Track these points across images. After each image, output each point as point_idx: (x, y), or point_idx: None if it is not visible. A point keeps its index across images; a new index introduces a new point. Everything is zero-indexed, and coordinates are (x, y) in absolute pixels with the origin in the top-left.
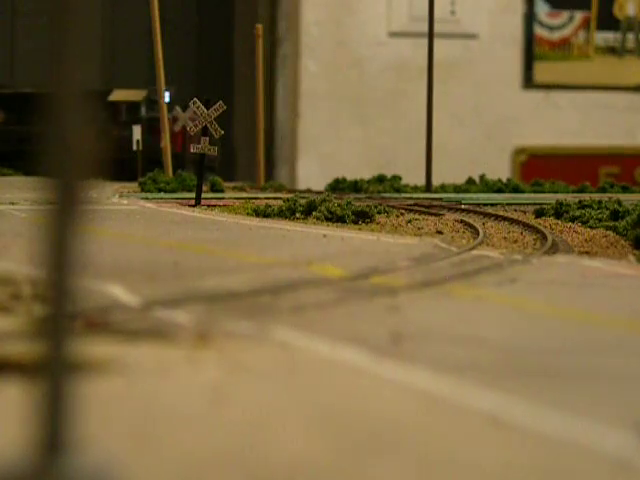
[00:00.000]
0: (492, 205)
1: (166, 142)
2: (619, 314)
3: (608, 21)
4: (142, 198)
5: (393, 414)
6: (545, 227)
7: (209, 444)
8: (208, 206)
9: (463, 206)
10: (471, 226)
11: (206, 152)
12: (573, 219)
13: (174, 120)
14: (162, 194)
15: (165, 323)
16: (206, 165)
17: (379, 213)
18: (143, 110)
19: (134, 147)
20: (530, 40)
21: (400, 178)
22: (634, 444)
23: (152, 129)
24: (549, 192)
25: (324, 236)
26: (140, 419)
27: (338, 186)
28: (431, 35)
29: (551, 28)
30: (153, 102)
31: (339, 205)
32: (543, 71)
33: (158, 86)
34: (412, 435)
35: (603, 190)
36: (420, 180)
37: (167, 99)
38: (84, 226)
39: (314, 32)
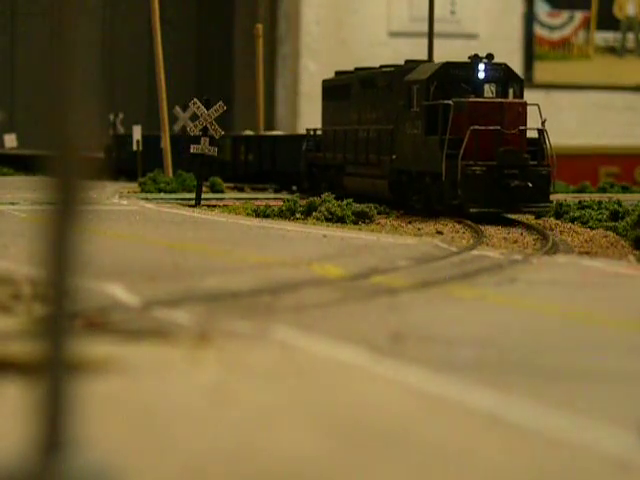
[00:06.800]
0: None
1: (166, 142)
2: (619, 314)
3: (608, 21)
4: (142, 198)
5: (393, 413)
6: (545, 227)
7: (210, 443)
8: (208, 206)
9: None
10: (471, 226)
11: (206, 152)
12: (573, 219)
13: None
14: (162, 194)
15: (165, 323)
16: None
17: (379, 214)
18: (431, 91)
19: (134, 147)
20: (530, 40)
21: None
22: (634, 443)
23: (430, 119)
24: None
25: (324, 236)
26: (140, 419)
27: None
28: (431, 35)
29: (551, 28)
30: (451, 79)
31: (339, 205)
32: (543, 71)
33: (159, 87)
34: (412, 434)
35: (603, 190)
36: None
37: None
38: (84, 226)
39: (314, 32)
